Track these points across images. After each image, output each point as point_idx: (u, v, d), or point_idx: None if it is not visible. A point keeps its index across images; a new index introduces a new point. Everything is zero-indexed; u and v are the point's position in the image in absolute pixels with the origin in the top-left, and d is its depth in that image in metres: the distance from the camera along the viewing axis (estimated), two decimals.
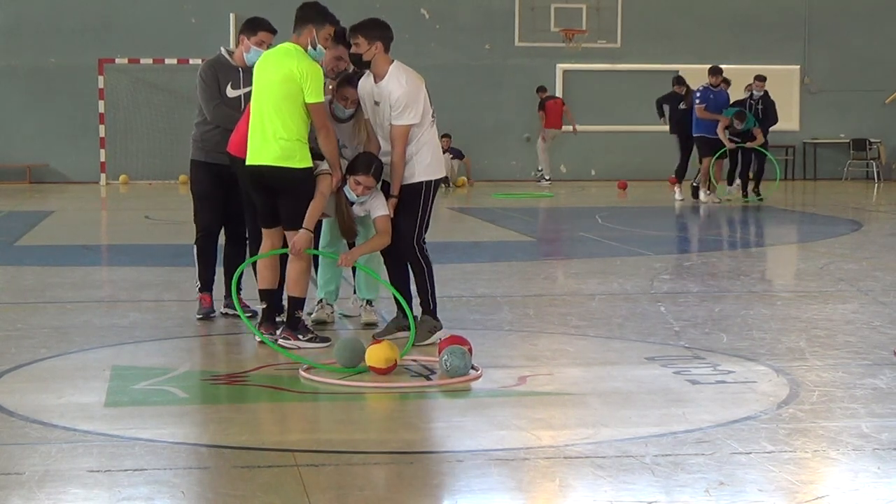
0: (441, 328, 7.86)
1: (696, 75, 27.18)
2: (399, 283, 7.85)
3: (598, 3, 26.11)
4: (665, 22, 26.93)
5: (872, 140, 27.08)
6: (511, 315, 9.16)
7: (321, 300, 8.57)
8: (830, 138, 27.64)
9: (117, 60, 25.24)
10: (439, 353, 6.90)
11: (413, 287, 7.93)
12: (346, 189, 7.70)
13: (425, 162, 7.81)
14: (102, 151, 25.34)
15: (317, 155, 7.67)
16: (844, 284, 10.65)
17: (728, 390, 6.55)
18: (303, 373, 6.87)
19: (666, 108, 21.87)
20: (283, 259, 7.84)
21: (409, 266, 7.88)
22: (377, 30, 7.71)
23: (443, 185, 23.96)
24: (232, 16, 25.58)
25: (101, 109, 25.16)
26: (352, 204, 7.76)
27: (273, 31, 8.53)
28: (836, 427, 5.77)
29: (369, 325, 8.33)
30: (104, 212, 20.51)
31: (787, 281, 11.85)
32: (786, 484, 4.91)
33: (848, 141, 27.22)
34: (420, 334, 7.69)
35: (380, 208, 7.71)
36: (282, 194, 7.58)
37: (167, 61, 25.19)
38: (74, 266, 12.18)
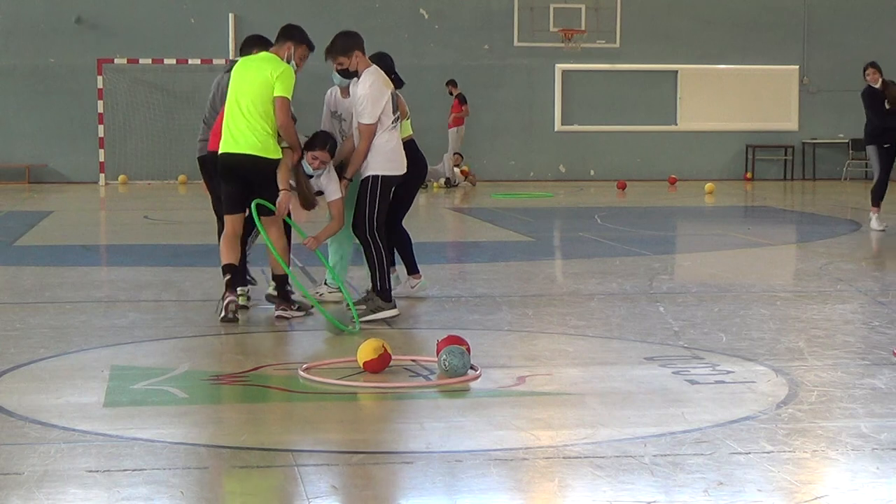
0: (391, 309, 8.71)
1: (695, 75, 27.30)
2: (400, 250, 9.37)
3: (597, 3, 26.11)
4: (664, 22, 26.95)
5: None
6: (510, 315, 9.16)
7: (325, 282, 9.59)
8: (829, 138, 27.65)
9: (116, 61, 25.25)
10: (438, 352, 6.91)
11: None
12: (304, 162, 8.59)
13: (377, 159, 8.70)
14: (101, 151, 25.34)
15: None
16: (843, 284, 10.66)
17: (727, 390, 6.55)
18: (301, 373, 6.88)
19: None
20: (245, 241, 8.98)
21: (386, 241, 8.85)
22: (348, 41, 8.75)
23: (438, 184, 24.18)
24: (231, 16, 25.60)
25: (100, 109, 25.17)
26: (310, 177, 8.64)
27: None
28: (834, 427, 5.78)
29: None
30: (103, 212, 20.52)
31: (786, 281, 11.85)
32: (785, 484, 4.92)
33: (847, 141, 27.23)
34: (365, 311, 8.59)
35: (333, 193, 8.67)
36: (257, 184, 8.49)
37: (166, 61, 25.21)
38: (73, 266, 12.18)
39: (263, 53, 8.70)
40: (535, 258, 13.39)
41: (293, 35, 8.70)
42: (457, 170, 24.60)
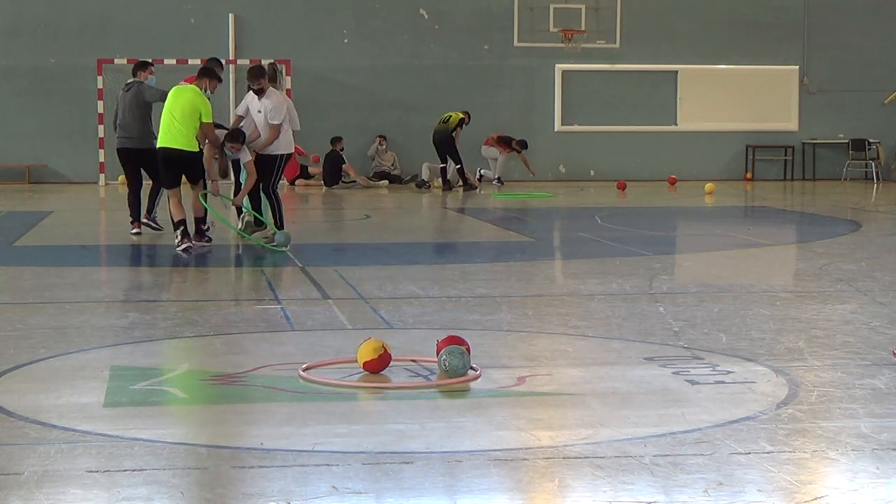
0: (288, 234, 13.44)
1: (695, 75, 27.30)
2: (258, 207, 13.92)
3: (597, 4, 26.11)
4: (664, 22, 26.95)
5: (871, 140, 27.10)
6: (510, 315, 9.16)
7: (245, 213, 14.15)
8: (829, 138, 27.66)
9: (116, 61, 25.20)
10: (438, 352, 6.91)
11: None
12: (225, 148, 13.50)
13: (280, 144, 13.72)
14: (101, 152, 25.28)
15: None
16: (843, 285, 10.66)
17: (727, 390, 6.55)
18: (301, 373, 6.88)
19: None
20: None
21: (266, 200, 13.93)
22: (260, 72, 13.75)
23: (437, 183, 24.18)
24: (231, 16, 25.58)
25: (100, 110, 25.13)
26: (226, 155, 13.70)
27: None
28: (834, 427, 5.78)
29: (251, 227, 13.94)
30: (103, 212, 20.52)
31: (786, 281, 11.85)
32: (785, 484, 4.91)
33: (847, 141, 27.24)
34: (275, 238, 13.41)
35: (247, 156, 13.51)
36: (183, 166, 13.24)
37: (166, 62, 25.14)
38: (73, 266, 12.18)
39: (192, 87, 13.28)
40: (535, 258, 13.39)
41: (212, 73, 13.48)
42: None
